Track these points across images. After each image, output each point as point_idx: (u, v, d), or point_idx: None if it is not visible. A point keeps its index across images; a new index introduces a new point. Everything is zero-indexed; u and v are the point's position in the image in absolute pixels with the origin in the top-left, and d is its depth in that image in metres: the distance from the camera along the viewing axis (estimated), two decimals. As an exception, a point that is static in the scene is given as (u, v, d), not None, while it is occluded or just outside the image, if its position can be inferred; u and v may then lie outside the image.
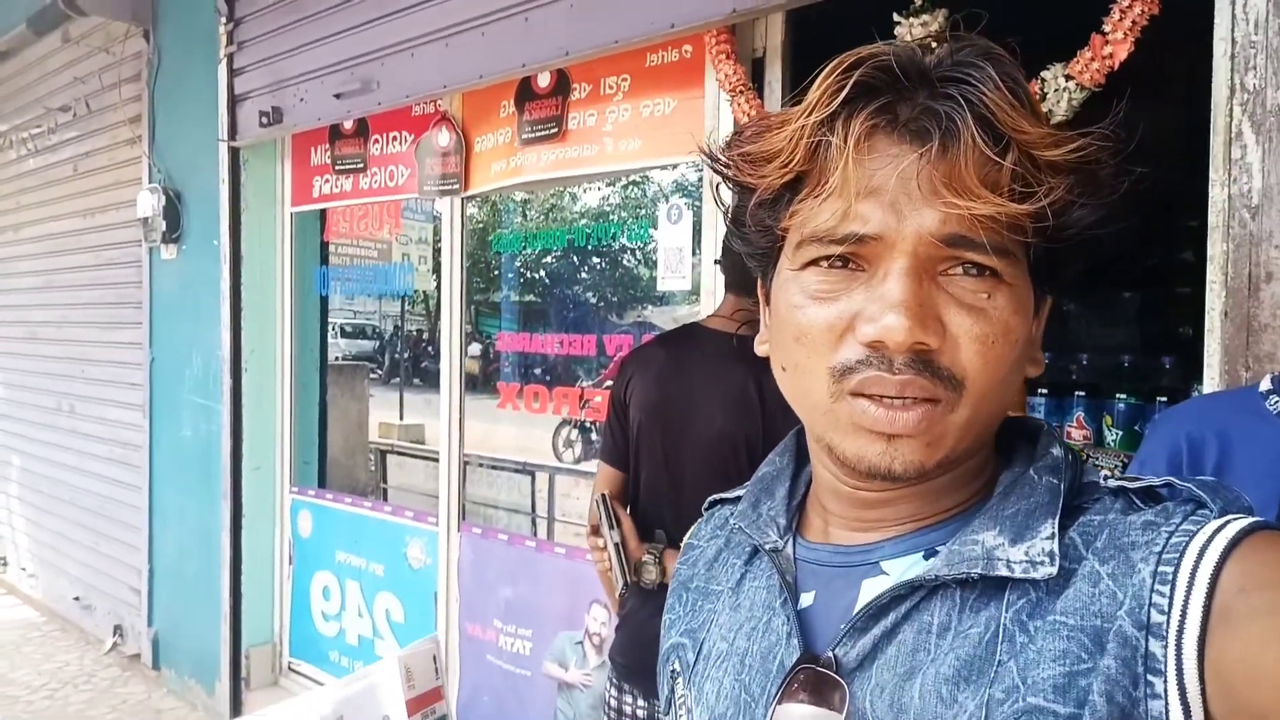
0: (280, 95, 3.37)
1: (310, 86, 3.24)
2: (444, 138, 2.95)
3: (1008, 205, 0.54)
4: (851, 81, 0.56)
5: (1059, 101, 1.72)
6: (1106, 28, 1.65)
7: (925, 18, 1.89)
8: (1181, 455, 1.18)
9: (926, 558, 0.60)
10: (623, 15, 2.27)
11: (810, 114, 0.57)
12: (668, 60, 2.42)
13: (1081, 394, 2.64)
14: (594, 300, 3.22)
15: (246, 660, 3.72)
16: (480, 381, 3.99)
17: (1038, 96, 1.74)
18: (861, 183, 0.55)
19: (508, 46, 2.55)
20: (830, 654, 0.59)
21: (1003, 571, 0.55)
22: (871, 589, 0.61)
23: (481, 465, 5.26)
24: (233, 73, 3.57)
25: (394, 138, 3.20)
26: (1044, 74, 1.74)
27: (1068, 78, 1.71)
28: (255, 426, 3.70)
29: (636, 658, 1.82)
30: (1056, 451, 0.61)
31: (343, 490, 3.70)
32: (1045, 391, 2.70)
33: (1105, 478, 0.61)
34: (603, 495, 1.84)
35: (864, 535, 0.63)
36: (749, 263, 0.68)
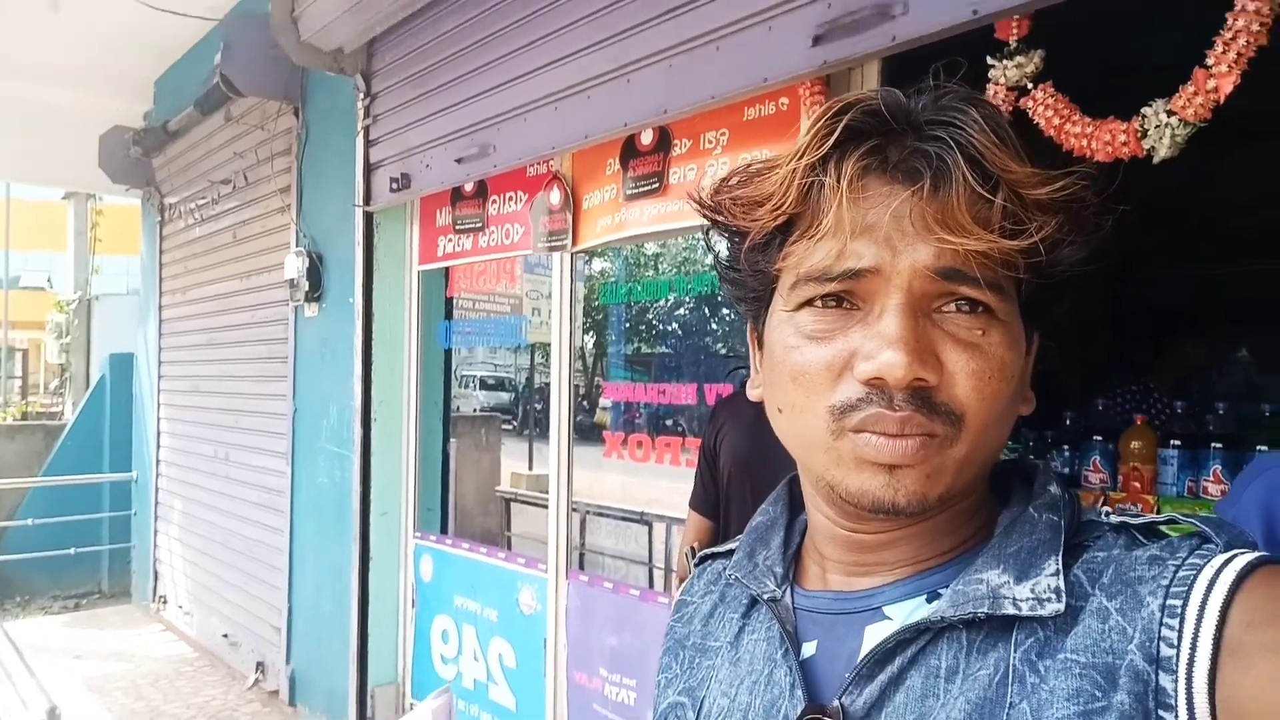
0: (408, 162, 3.60)
1: (434, 153, 3.45)
2: (555, 196, 3.07)
3: (1000, 241, 0.54)
4: (841, 125, 0.57)
5: (1161, 138, 1.65)
6: (1209, 60, 1.58)
7: (1020, 59, 1.86)
8: (1276, 514, 1.10)
9: (929, 600, 0.60)
10: (718, 72, 2.33)
11: (801, 157, 0.58)
12: (764, 113, 2.45)
13: (1219, 445, 2.46)
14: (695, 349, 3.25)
15: (372, 700, 3.86)
16: (621, 430, 4.06)
17: (1138, 134, 1.68)
18: (856, 221, 0.56)
19: (611, 107, 2.65)
20: (837, 703, 0.58)
21: (1009, 610, 0.55)
22: (875, 635, 0.60)
23: (601, 515, 5.34)
24: (368, 144, 3.84)
25: (510, 198, 3.36)
26: (1144, 110, 1.67)
27: (1169, 113, 1.64)
28: (383, 474, 3.89)
29: None
30: (1054, 490, 0.61)
31: (469, 537, 3.83)
32: (1179, 443, 2.53)
33: (1106, 514, 0.61)
34: (691, 548, 1.85)
35: (863, 580, 0.63)
36: (739, 307, 0.69)
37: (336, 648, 4.00)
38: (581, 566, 3.09)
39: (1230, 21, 1.54)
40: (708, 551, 0.81)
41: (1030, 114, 1.81)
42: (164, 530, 6.14)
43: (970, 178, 0.55)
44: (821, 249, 0.57)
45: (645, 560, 4.99)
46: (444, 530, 3.99)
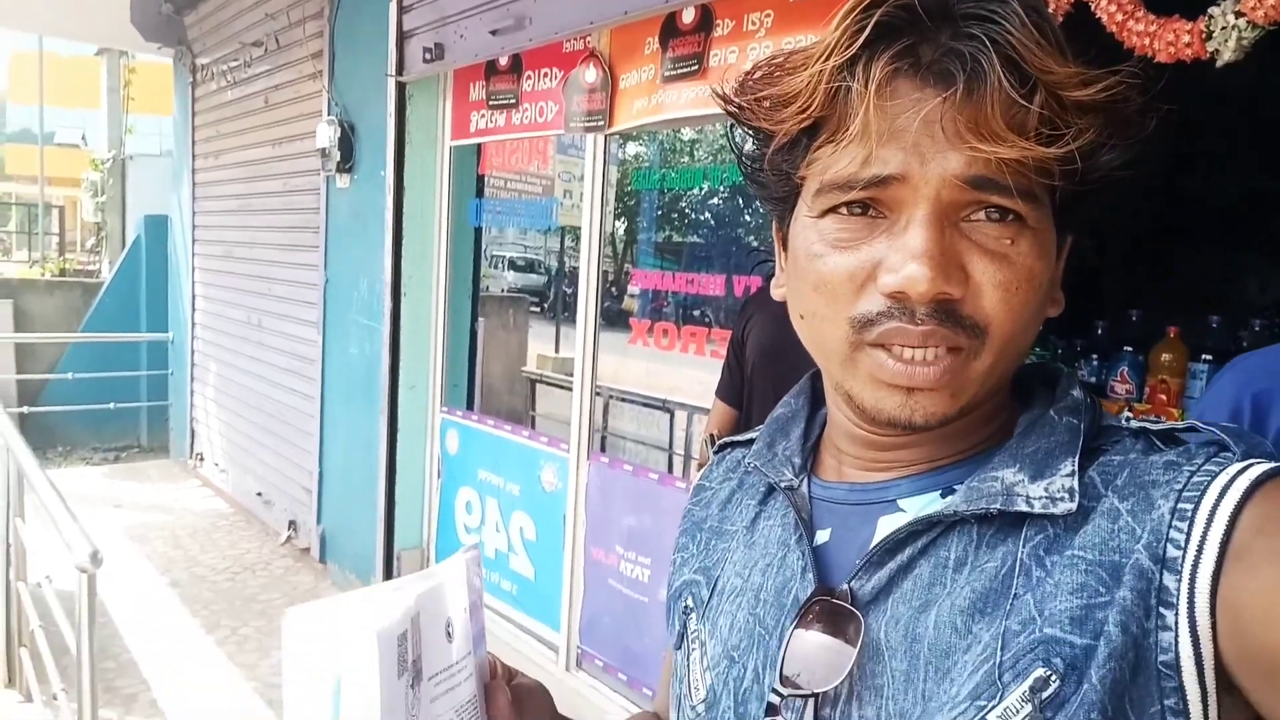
0: (442, 32, 3.50)
1: (469, 23, 3.35)
2: (590, 74, 2.99)
3: (1035, 149, 0.52)
4: (872, 22, 0.54)
5: (1226, 40, 1.57)
6: (1288, -43, 1.49)
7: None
8: (1244, 415, 1.08)
9: (944, 496, 0.61)
10: (766, -51, 2.22)
11: (829, 57, 0.55)
12: (812, -5, 2.35)
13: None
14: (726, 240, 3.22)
15: (398, 561, 4.04)
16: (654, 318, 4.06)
17: (1202, 35, 1.60)
18: (883, 128, 0.54)
19: (653, -18, 2.55)
20: (846, 586, 0.59)
21: (1022, 507, 0.55)
22: (888, 525, 0.61)
23: (624, 400, 5.41)
24: (402, 10, 3.73)
25: (545, 74, 3.28)
26: (1211, 10, 1.59)
27: (1238, 14, 1.55)
28: (411, 348, 3.95)
29: None
30: (1077, 394, 0.61)
31: (494, 415, 3.91)
32: (1210, 358, 2.51)
33: (1127, 419, 0.61)
34: (711, 435, 1.89)
35: (880, 474, 0.64)
36: (765, 206, 0.67)
37: (365, 512, 4.15)
38: (603, 449, 3.16)
39: (1317, -85, 1.44)
40: (727, 440, 0.82)
41: (1092, 8, 1.73)
42: (200, 390, 6.32)
43: (1006, 80, 0.52)
44: (847, 155, 0.55)
45: (665, 446, 5.09)
46: (470, 407, 4.07)
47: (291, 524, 5.00)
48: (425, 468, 4.05)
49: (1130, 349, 2.56)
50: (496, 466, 3.62)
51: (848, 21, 0.55)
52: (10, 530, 3.16)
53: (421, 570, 0.67)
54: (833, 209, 0.57)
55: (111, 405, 6.86)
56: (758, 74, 0.61)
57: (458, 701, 0.62)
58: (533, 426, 4.88)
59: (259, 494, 5.40)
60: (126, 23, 5.83)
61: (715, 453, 0.83)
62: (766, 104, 0.59)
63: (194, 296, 6.32)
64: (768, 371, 1.87)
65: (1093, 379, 2.64)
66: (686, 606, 0.73)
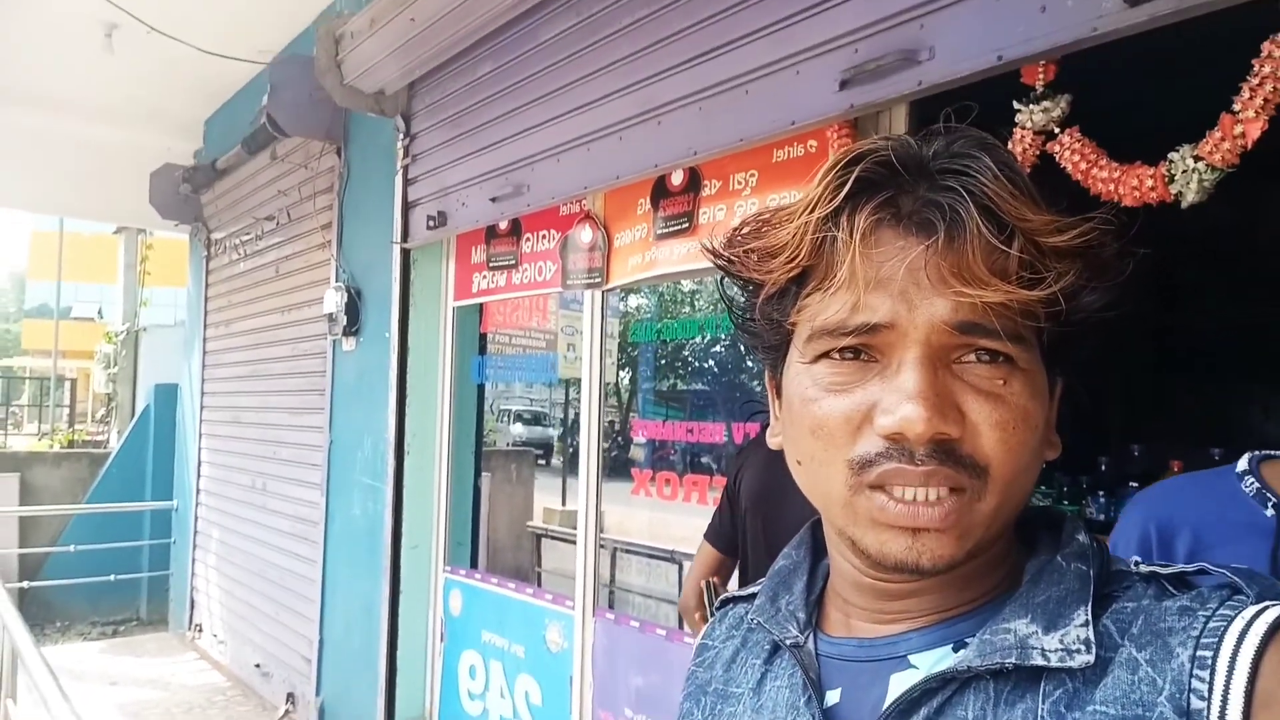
0: (445, 201, 3.67)
1: (470, 192, 3.51)
2: (586, 234, 3.11)
3: (1018, 292, 0.54)
4: (853, 177, 0.57)
5: (1188, 183, 1.65)
6: (1236, 106, 1.58)
7: (1046, 104, 1.86)
8: (1151, 543, 1.11)
9: (955, 649, 0.59)
10: (746, 115, 2.36)
11: (814, 210, 0.58)
12: (793, 155, 2.48)
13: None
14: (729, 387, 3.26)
15: (399, 734, 3.87)
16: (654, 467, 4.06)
17: (1165, 178, 1.68)
18: (870, 274, 0.56)
19: (642, 148, 2.70)
20: None
21: (1038, 661, 0.53)
22: (900, 683, 0.59)
23: (629, 551, 5.32)
24: (407, 182, 3.92)
25: (543, 235, 3.41)
26: (1172, 155, 1.67)
27: (1196, 159, 1.63)
28: (414, 507, 3.93)
29: None
30: (1082, 538, 0.60)
31: (499, 572, 3.84)
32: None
33: (1136, 563, 0.60)
34: (708, 581, 1.87)
35: (889, 627, 0.62)
36: (758, 356, 0.68)
37: (366, 681, 4.01)
38: (611, 604, 3.09)
39: (1257, 68, 1.54)
40: (729, 595, 0.80)
41: (1057, 158, 1.82)
42: (201, 559, 6.23)
43: (985, 228, 0.54)
44: (836, 302, 0.57)
45: (673, 599, 4.96)
46: (474, 565, 4.01)
47: (290, 697, 4.82)
48: (428, 630, 3.94)
49: (1135, 484, 2.54)
50: (501, 627, 3.52)
51: (830, 177, 0.58)
52: (1, 712, 3.05)
53: None
54: (825, 354, 0.58)
55: (112, 577, 6.76)
56: (745, 229, 0.64)
57: None
58: (539, 583, 4.78)
59: (257, 665, 5.23)
60: (145, 203, 6.11)
61: (717, 608, 0.81)
62: (755, 256, 0.62)
63: (200, 463, 6.33)
64: (757, 517, 1.88)
65: (1100, 516, 2.61)
66: None
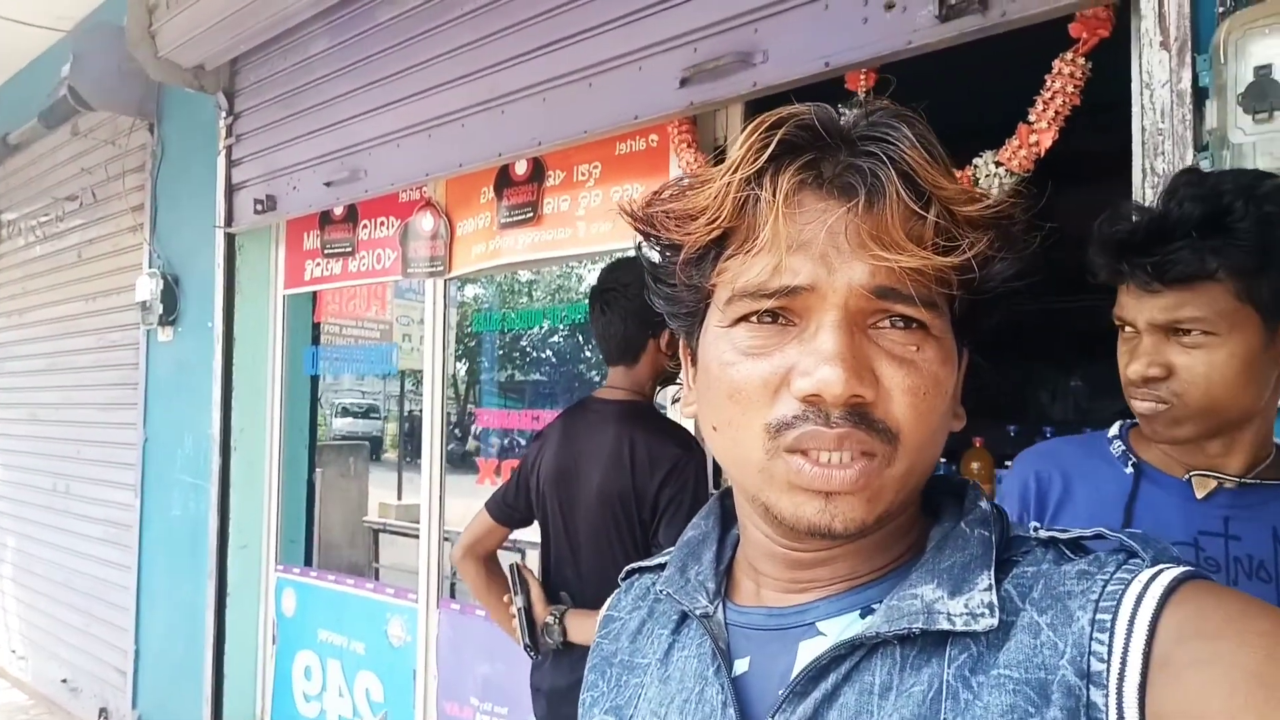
0: (274, 184, 3.51)
1: (302, 176, 3.38)
2: (427, 222, 3.06)
3: (934, 258, 0.55)
4: (776, 139, 0.57)
5: (991, 186, 1.82)
6: (1031, 117, 1.76)
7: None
8: (1030, 491, 1.27)
9: (863, 616, 0.60)
10: (591, 107, 2.40)
11: (736, 170, 0.58)
12: (635, 149, 2.54)
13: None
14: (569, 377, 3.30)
15: (228, 743, 3.69)
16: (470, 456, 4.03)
17: (970, 181, 1.84)
18: (791, 237, 0.56)
19: (485, 137, 2.68)
20: None
21: (944, 625, 0.54)
22: (809, 651, 0.59)
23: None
24: (230, 164, 3.72)
25: (381, 222, 3.33)
26: (976, 161, 1.84)
27: (997, 164, 1.81)
28: (243, 505, 3.75)
29: None
30: (984, 505, 0.62)
31: (334, 569, 3.72)
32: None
33: (1035, 529, 0.61)
34: (513, 564, 1.97)
35: (798, 596, 0.62)
36: (673, 323, 0.68)
37: (189, 690, 3.80)
38: (453, 595, 3.07)
39: (1049, 83, 1.72)
40: (634, 566, 0.80)
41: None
42: (-6, 570, 5.68)
43: (904, 194, 0.55)
44: (757, 264, 0.57)
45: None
46: (308, 562, 3.87)
47: (103, 712, 4.49)
48: (259, 633, 3.77)
49: (943, 459, 2.77)
50: (339, 625, 3.43)
51: (753, 139, 0.58)
52: None
53: None
54: (744, 318, 0.58)
55: (-118, 595, 6.05)
56: (665, 192, 0.63)
57: None
58: (376, 578, 4.66)
59: (64, 681, 4.83)
60: (-79, 178, 5.49)
61: (622, 579, 0.80)
62: (676, 217, 0.61)
63: (-11, 465, 5.76)
64: (552, 496, 1.97)
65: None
66: None
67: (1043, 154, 1.75)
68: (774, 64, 2.03)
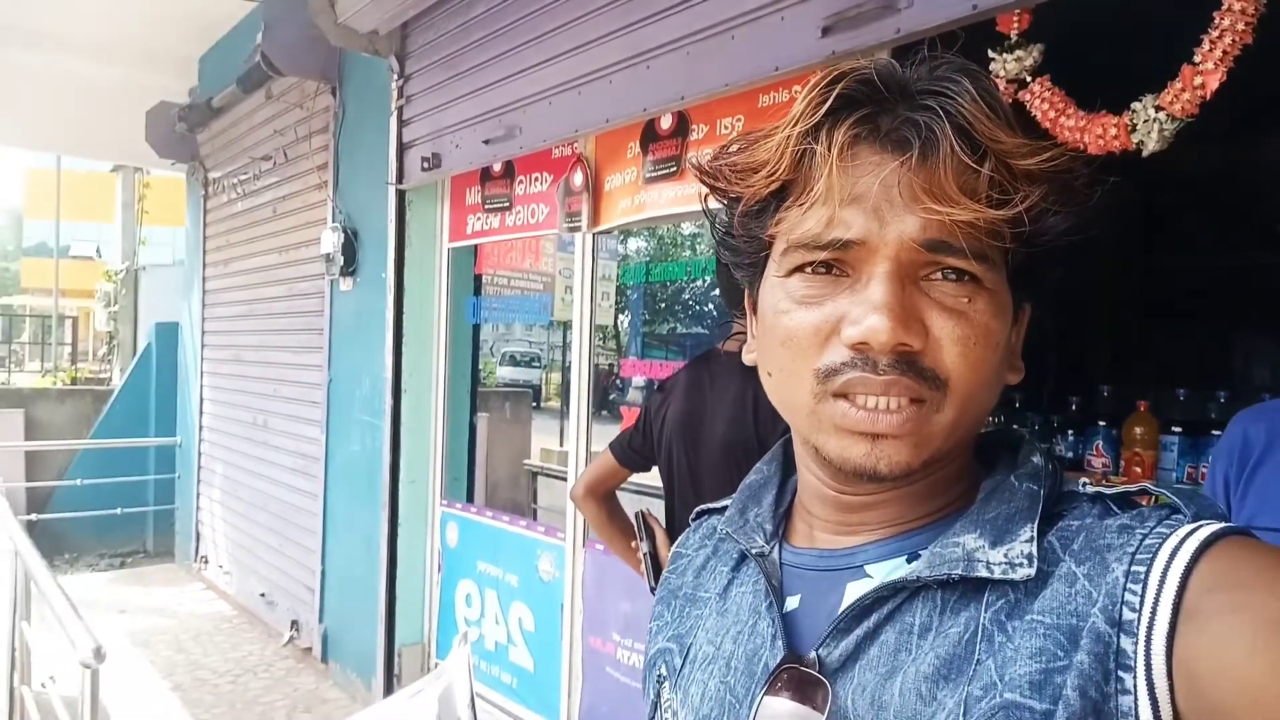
0: (439, 143, 3.71)
1: (464, 134, 3.55)
2: (578, 178, 3.16)
3: (986, 210, 0.56)
4: (834, 94, 0.59)
5: (1149, 132, 1.71)
6: (1196, 58, 1.63)
7: (1019, 53, 1.91)
8: (1236, 448, 1.34)
9: (909, 561, 0.62)
10: (732, 60, 2.40)
11: (795, 125, 0.60)
12: (778, 100, 2.52)
13: (1218, 433, 2.51)
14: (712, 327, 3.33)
15: (399, 658, 4.04)
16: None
17: (1128, 128, 1.74)
18: (845, 190, 0.57)
19: (631, 92, 2.74)
20: (814, 654, 0.60)
21: (982, 573, 0.57)
22: (855, 591, 0.62)
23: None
24: (401, 124, 3.95)
25: (535, 178, 3.46)
26: (1134, 105, 1.73)
27: (1158, 109, 1.69)
28: (412, 444, 4.04)
29: None
30: (1037, 460, 0.63)
31: (497, 507, 3.97)
32: (1180, 430, 2.58)
33: (1084, 484, 0.63)
34: (639, 511, 2.04)
35: (848, 539, 0.65)
36: (737, 274, 0.70)
37: (366, 609, 4.17)
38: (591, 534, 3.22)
39: (1217, 20, 1.59)
40: (704, 507, 0.83)
41: (1028, 106, 1.87)
42: (206, 493, 6.38)
43: (958, 147, 0.56)
44: (812, 216, 0.59)
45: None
46: (470, 500, 4.13)
47: (294, 624, 5.00)
48: (426, 562, 4.09)
49: (1104, 424, 2.64)
50: (495, 558, 3.66)
51: (813, 94, 0.60)
52: (16, 634, 3.19)
53: (433, 670, 0.65)
54: (798, 268, 0.61)
55: (119, 511, 6.92)
56: (732, 147, 0.65)
57: None
58: (534, 518, 4.91)
59: (262, 595, 5.41)
60: (141, 141, 6.12)
61: (693, 519, 0.84)
62: (739, 170, 0.63)
63: (202, 400, 6.44)
64: (678, 443, 2.03)
65: (1069, 454, 2.71)
66: (660, 675, 0.73)
67: (1209, 97, 1.63)
68: (919, 8, 1.97)
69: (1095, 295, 4.18)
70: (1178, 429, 2.58)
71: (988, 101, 0.57)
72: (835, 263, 0.59)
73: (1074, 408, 2.83)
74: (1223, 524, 0.53)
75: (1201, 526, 0.53)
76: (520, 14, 3.20)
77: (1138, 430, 2.61)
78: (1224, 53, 1.60)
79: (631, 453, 2.14)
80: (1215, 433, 2.54)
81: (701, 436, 2.00)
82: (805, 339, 0.60)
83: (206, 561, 6.30)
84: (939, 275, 0.58)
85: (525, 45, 3.18)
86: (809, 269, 0.60)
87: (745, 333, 2.12)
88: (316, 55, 4.33)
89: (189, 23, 5.50)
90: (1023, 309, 0.64)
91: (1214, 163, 3.64)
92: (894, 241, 0.57)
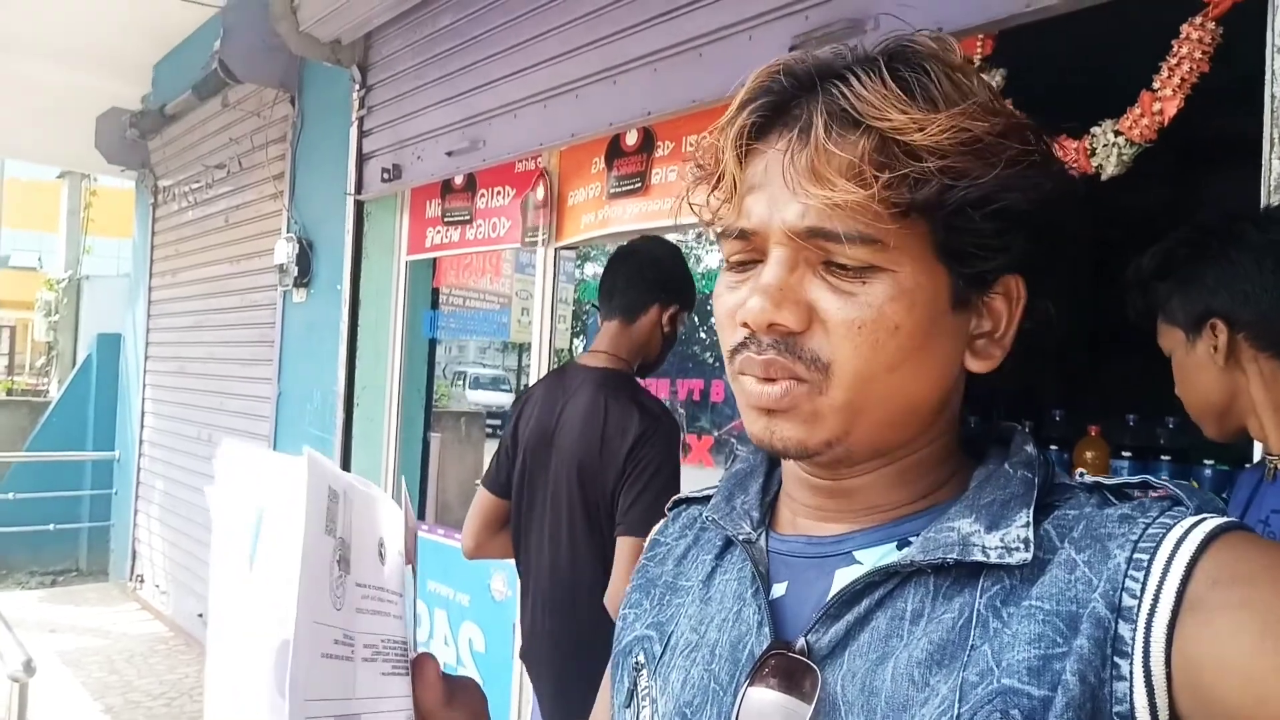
0: (400, 154, 3.67)
1: (426, 146, 3.52)
2: (540, 192, 3.15)
3: (856, 190, 0.54)
4: (751, 87, 0.60)
5: (1108, 156, 1.74)
6: (1156, 85, 1.67)
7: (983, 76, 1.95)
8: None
9: (900, 548, 0.61)
10: (700, 77, 2.41)
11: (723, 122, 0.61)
12: (744, 119, 2.54)
13: (1168, 458, 2.55)
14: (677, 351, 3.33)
15: (343, 681, 3.92)
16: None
17: (1087, 151, 1.77)
18: (747, 181, 0.59)
19: (597, 107, 2.74)
20: (803, 640, 0.59)
21: (978, 557, 0.55)
22: (845, 577, 0.61)
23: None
24: (361, 135, 3.91)
25: (498, 192, 3.44)
26: (1094, 129, 1.76)
27: (1117, 133, 1.73)
28: (363, 459, 3.96)
29: None
30: (1030, 449, 0.62)
31: (449, 526, 3.89)
32: (1130, 454, 2.63)
33: (1081, 474, 0.64)
34: None
35: (833, 526, 0.64)
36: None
37: (310, 629, 4.05)
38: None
39: (1176, 49, 1.64)
40: (682, 496, 0.82)
41: (991, 129, 1.90)
42: (144, 509, 6.18)
43: (834, 128, 0.55)
44: (730, 208, 0.61)
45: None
46: (420, 517, 4.05)
47: (234, 645, 4.84)
48: (374, 581, 3.99)
49: (1055, 448, 2.67)
50: (446, 577, 3.59)
51: (739, 92, 0.61)
52: (-64, 650, 3.04)
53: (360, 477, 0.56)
54: (729, 257, 0.63)
55: (51, 527, 6.68)
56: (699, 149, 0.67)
57: (385, 632, 0.55)
58: (486, 539, 4.84)
59: (200, 615, 5.23)
60: (90, 147, 5.98)
61: (670, 509, 0.83)
62: (698, 169, 0.65)
63: (143, 414, 6.26)
64: (535, 454, 1.97)
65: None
66: (637, 663, 0.72)
67: (1166, 123, 1.67)
68: (886, 29, 1.99)
69: (1046, 329, 4.27)
70: (1128, 453, 2.62)
71: (900, 77, 0.55)
72: (749, 250, 0.60)
73: (1026, 431, 2.86)
74: (1227, 518, 0.53)
75: (1206, 519, 0.52)
76: (488, 27, 3.19)
77: (1089, 454, 2.65)
78: (1181, 80, 1.64)
79: (502, 480, 2.05)
80: (1164, 457, 2.59)
81: (554, 450, 1.95)
82: (724, 321, 0.62)
83: (142, 580, 6.09)
84: (830, 259, 0.57)
85: (492, 58, 3.17)
86: (734, 258, 0.62)
87: (605, 351, 2.12)
88: (276, 63, 4.28)
89: (145, 29, 5.40)
90: (992, 292, 0.60)
91: (1162, 200, 3.76)
92: (779, 229, 0.57)
